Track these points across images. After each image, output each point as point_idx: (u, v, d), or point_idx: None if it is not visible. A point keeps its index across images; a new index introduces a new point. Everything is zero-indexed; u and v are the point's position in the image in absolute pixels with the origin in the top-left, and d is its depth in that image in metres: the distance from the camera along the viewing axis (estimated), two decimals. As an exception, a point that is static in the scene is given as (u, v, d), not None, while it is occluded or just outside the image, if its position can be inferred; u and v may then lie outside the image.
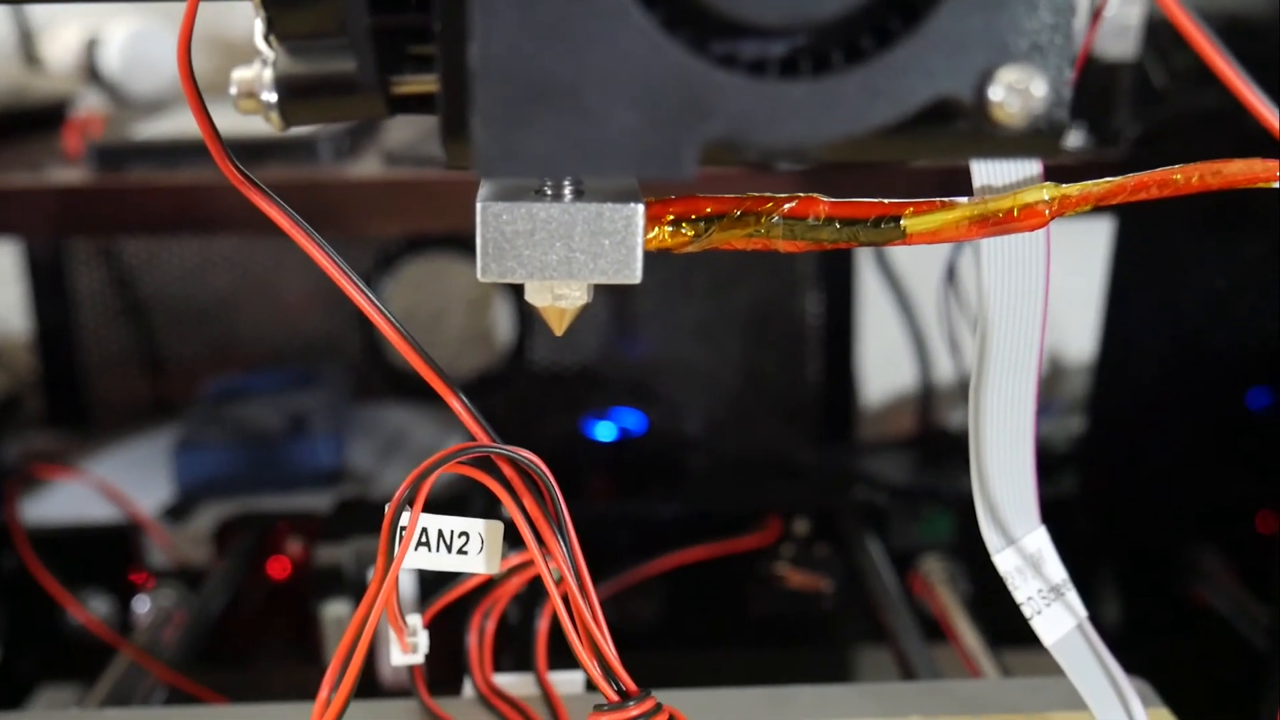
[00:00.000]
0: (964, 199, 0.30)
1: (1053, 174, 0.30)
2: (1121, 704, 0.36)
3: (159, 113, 0.82)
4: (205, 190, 0.65)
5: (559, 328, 0.30)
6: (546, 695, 0.41)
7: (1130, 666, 0.37)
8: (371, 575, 0.33)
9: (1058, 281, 0.33)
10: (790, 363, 0.94)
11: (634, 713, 0.32)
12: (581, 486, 0.84)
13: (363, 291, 0.31)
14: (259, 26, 0.27)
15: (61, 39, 0.86)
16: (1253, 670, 0.60)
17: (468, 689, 0.41)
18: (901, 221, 0.30)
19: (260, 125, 0.29)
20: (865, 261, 0.93)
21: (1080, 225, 0.59)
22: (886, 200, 0.30)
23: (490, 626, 0.41)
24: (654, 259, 0.30)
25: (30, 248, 0.93)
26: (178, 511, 0.81)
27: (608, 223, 0.28)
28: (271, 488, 0.83)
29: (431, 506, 0.32)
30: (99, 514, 0.77)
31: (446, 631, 0.40)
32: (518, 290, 0.30)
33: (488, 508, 0.33)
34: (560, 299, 0.30)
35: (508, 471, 0.32)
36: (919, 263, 0.92)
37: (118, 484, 0.78)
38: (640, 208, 0.28)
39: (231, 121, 0.31)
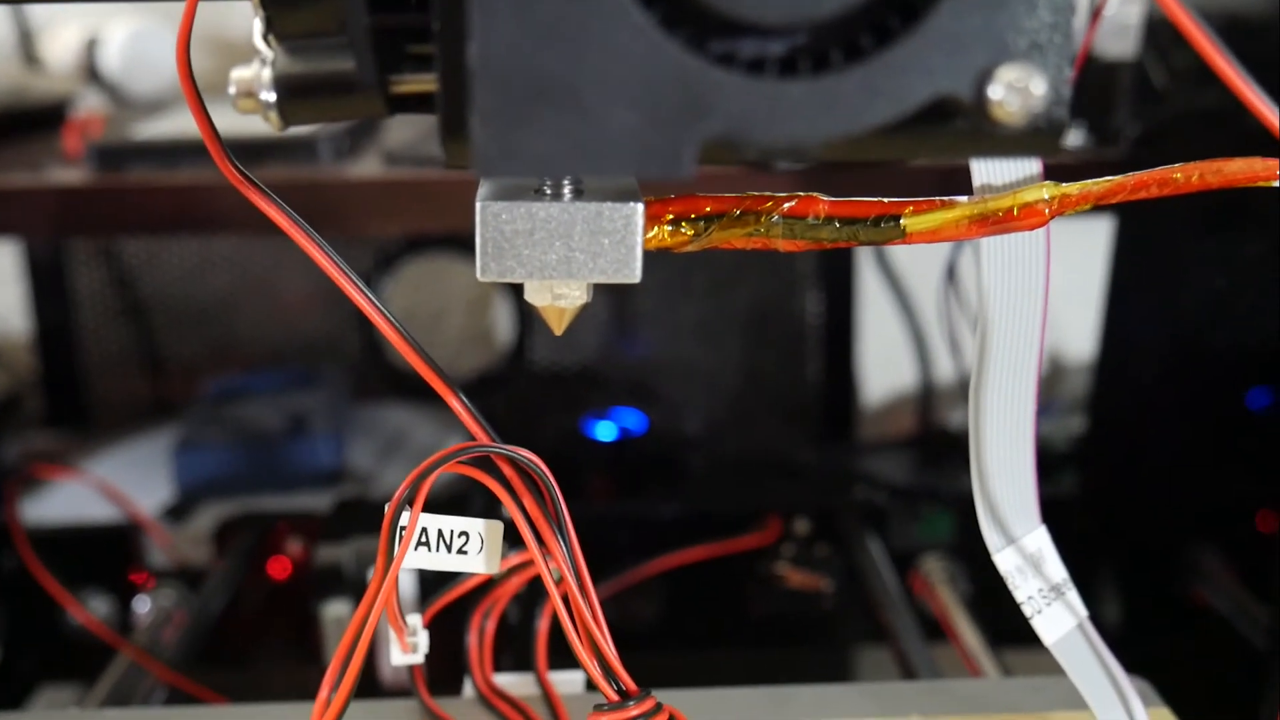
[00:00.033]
0: (964, 198, 0.30)
1: (1052, 173, 0.30)
2: (1122, 703, 0.36)
3: (159, 113, 0.82)
4: (205, 190, 0.65)
5: (558, 327, 0.30)
6: (546, 695, 0.41)
7: (1130, 666, 0.37)
8: (371, 575, 0.33)
9: (1058, 280, 0.33)
10: (790, 362, 0.94)
11: (634, 712, 0.32)
12: (581, 486, 0.84)
13: (362, 291, 0.31)
14: (258, 26, 0.27)
15: (61, 39, 0.86)
16: (1253, 670, 0.60)
17: (468, 689, 0.41)
18: (901, 220, 0.30)
19: (260, 125, 0.29)
20: (865, 261, 0.93)
21: (1080, 224, 0.59)
22: (886, 199, 0.30)
23: (490, 626, 0.41)
24: (653, 258, 0.30)
25: (30, 248, 0.93)
26: (178, 511, 0.81)
27: (607, 222, 0.28)
28: (271, 488, 0.83)
29: (431, 506, 0.32)
30: (99, 514, 0.77)
31: (447, 631, 0.40)
32: (518, 290, 0.30)
33: (488, 507, 0.33)
34: (560, 298, 0.29)
35: (507, 471, 0.32)
36: (919, 262, 0.92)
37: (118, 484, 0.78)
38: (640, 207, 0.28)
39: (231, 121, 0.31)
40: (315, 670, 0.48)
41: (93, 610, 0.72)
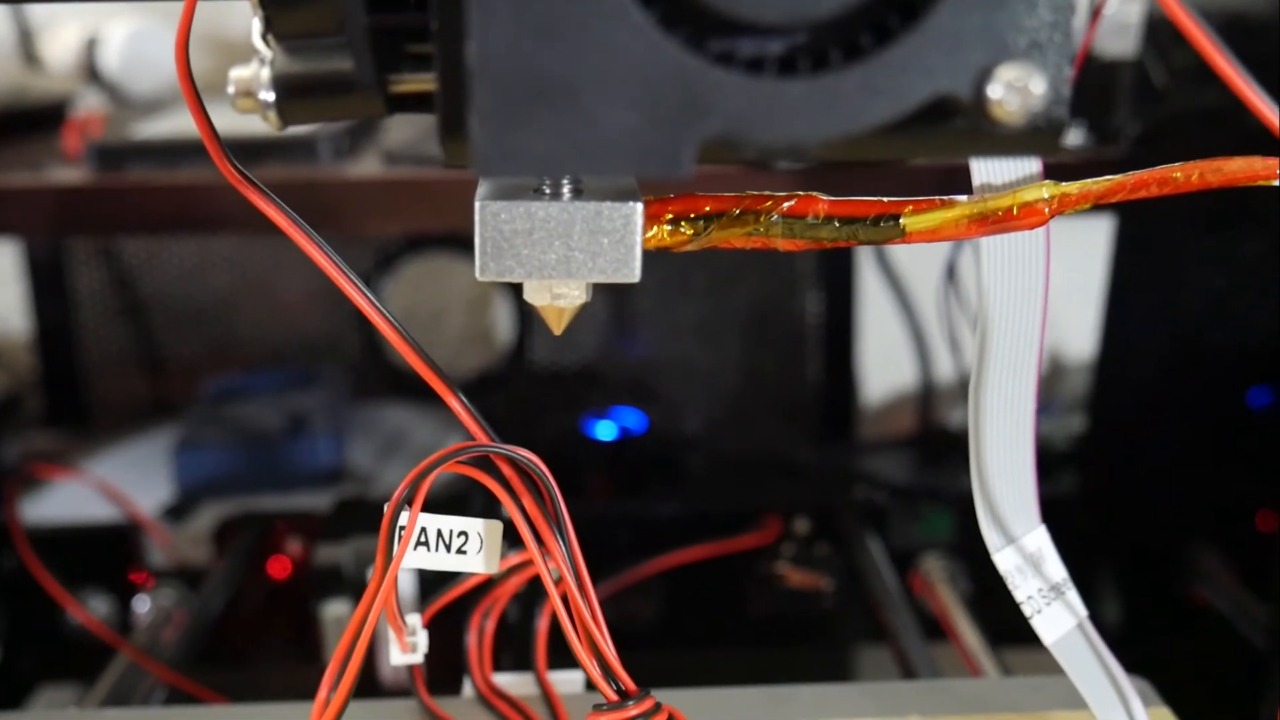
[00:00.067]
0: (963, 197, 0.30)
1: (1052, 172, 0.30)
2: (1121, 703, 0.36)
3: (158, 112, 0.82)
4: (205, 190, 0.65)
5: (558, 327, 0.30)
6: (546, 695, 0.41)
7: (1130, 665, 0.37)
8: (371, 575, 0.33)
9: (1057, 280, 0.33)
10: (790, 362, 0.94)
11: (633, 712, 0.32)
12: (581, 486, 0.84)
13: (362, 291, 0.31)
14: (256, 25, 0.27)
15: (61, 38, 0.86)
16: (1253, 669, 0.60)
17: (467, 688, 0.41)
18: (901, 220, 0.30)
19: (259, 124, 0.29)
20: (865, 260, 0.93)
21: (1080, 223, 0.59)
22: (886, 199, 0.30)
23: (490, 626, 0.41)
24: (653, 258, 0.30)
25: (30, 247, 0.93)
26: (177, 511, 0.81)
27: (606, 221, 0.28)
28: (271, 487, 0.83)
29: (431, 506, 0.32)
30: (99, 514, 0.77)
31: (446, 631, 0.40)
32: (517, 289, 0.30)
33: (487, 507, 0.33)
34: (559, 298, 0.29)
35: (507, 471, 0.32)
36: (919, 261, 0.92)
37: (117, 484, 0.78)
38: (639, 206, 0.28)
39: (230, 121, 0.31)
40: (315, 670, 0.48)
41: (92, 610, 0.72)
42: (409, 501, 0.32)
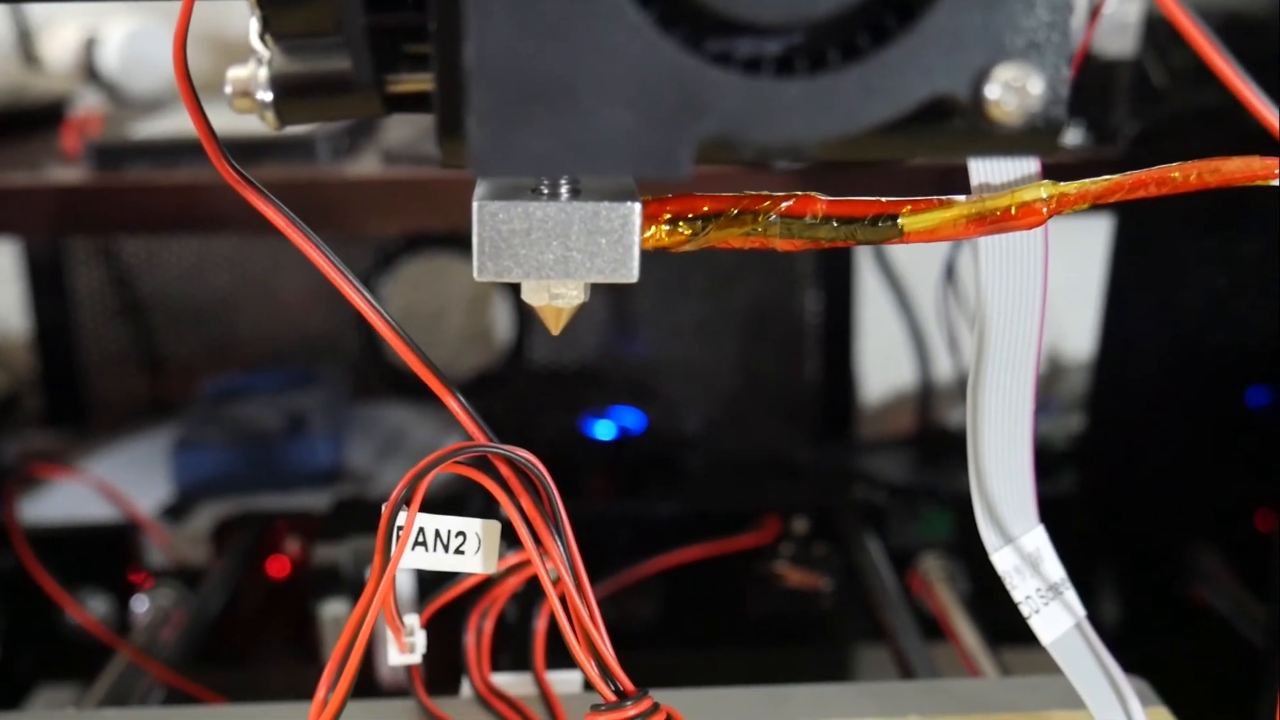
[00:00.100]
0: (962, 197, 0.30)
1: (1051, 172, 0.30)
2: (1120, 703, 0.36)
3: (157, 112, 0.82)
4: (204, 189, 0.65)
5: (556, 327, 0.30)
6: (544, 695, 0.41)
7: (1129, 665, 0.37)
8: (369, 574, 0.33)
9: (1057, 279, 0.33)
10: (789, 361, 0.94)
11: (631, 713, 0.32)
12: (580, 485, 0.84)
13: (360, 291, 0.31)
14: (254, 25, 0.27)
15: (60, 38, 0.86)
16: (1251, 669, 0.60)
17: (465, 689, 0.41)
18: (899, 220, 0.29)
19: (258, 124, 0.29)
20: (864, 260, 0.93)
21: (1079, 223, 0.59)
22: (884, 199, 0.30)
23: (488, 626, 0.41)
24: (652, 257, 0.30)
25: (29, 247, 0.93)
26: (176, 511, 0.81)
27: (604, 221, 0.28)
28: (270, 487, 0.83)
29: (430, 506, 0.32)
30: (97, 513, 0.77)
31: (444, 631, 0.40)
32: (516, 289, 0.30)
33: (486, 507, 0.33)
34: (557, 298, 0.29)
35: (505, 471, 0.32)
36: (918, 261, 0.92)
37: (116, 483, 0.78)
38: (637, 206, 0.28)
39: (229, 120, 0.31)
40: (314, 669, 0.48)
41: (91, 610, 0.72)
42: (407, 501, 0.32)
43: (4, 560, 0.71)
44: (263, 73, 0.27)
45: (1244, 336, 0.64)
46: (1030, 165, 0.30)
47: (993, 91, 0.23)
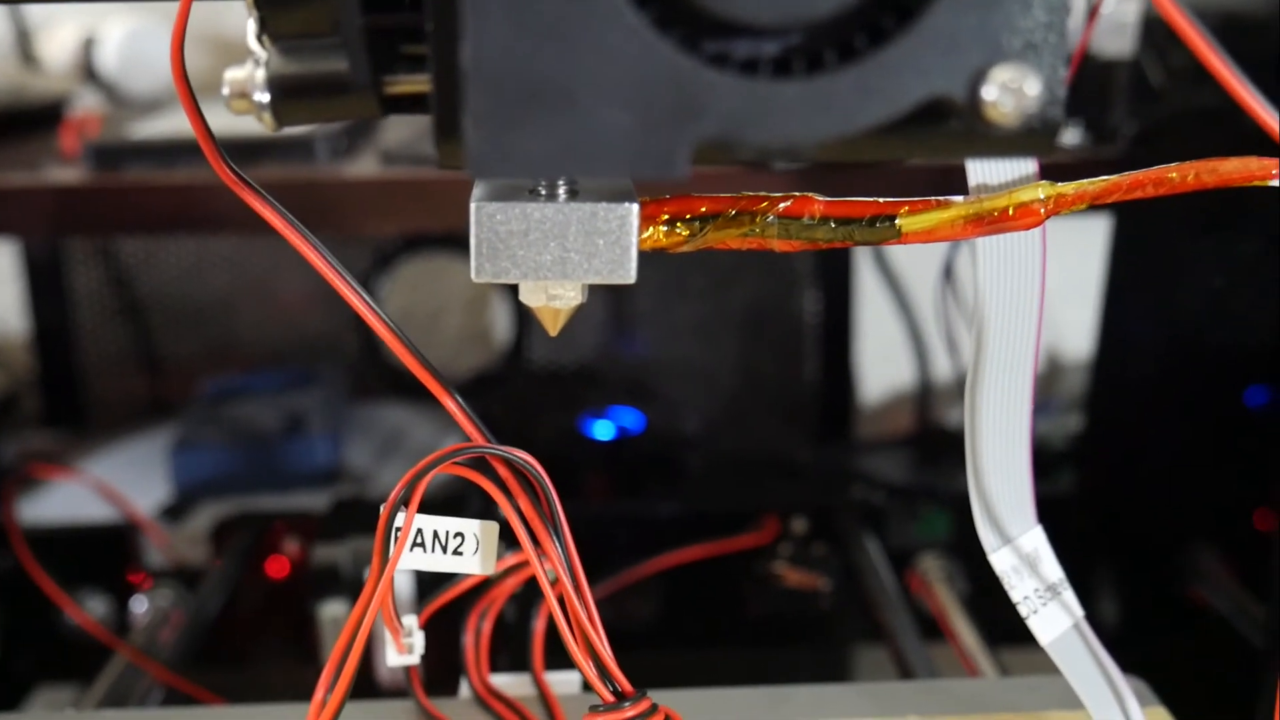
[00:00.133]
0: (959, 198, 0.30)
1: (1049, 172, 0.30)
2: (1118, 703, 0.36)
3: (156, 112, 0.82)
4: (202, 190, 0.65)
5: (553, 328, 0.30)
6: (543, 695, 0.41)
7: (1128, 665, 0.37)
8: (368, 575, 0.33)
9: (1055, 279, 0.33)
10: (788, 361, 0.94)
11: (629, 713, 0.32)
12: (579, 485, 0.84)
13: (357, 292, 0.31)
14: (251, 26, 0.27)
15: (58, 38, 0.86)
16: (1250, 669, 0.60)
17: (464, 689, 0.41)
18: (896, 221, 0.29)
19: (256, 124, 0.29)
20: (863, 260, 0.93)
21: (1078, 223, 0.59)
22: (882, 199, 0.30)
23: (487, 627, 0.41)
24: (651, 257, 0.30)
25: (28, 247, 0.93)
26: (175, 511, 0.81)
27: (602, 223, 0.27)
28: (269, 487, 0.83)
29: (428, 506, 0.32)
30: (96, 514, 0.77)
31: (443, 631, 0.40)
32: (515, 289, 0.30)
33: (485, 507, 0.33)
34: (554, 299, 0.29)
35: (503, 472, 0.32)
36: (917, 261, 0.92)
37: (115, 484, 0.78)
38: (634, 207, 0.28)
39: (228, 120, 0.31)
40: (313, 670, 0.48)
41: (90, 610, 0.72)
42: (405, 503, 0.32)
43: (3, 561, 0.71)
44: (260, 74, 0.27)
45: (1242, 336, 0.64)
46: (1028, 166, 0.30)
47: (990, 93, 0.23)
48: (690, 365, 0.94)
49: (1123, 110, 0.67)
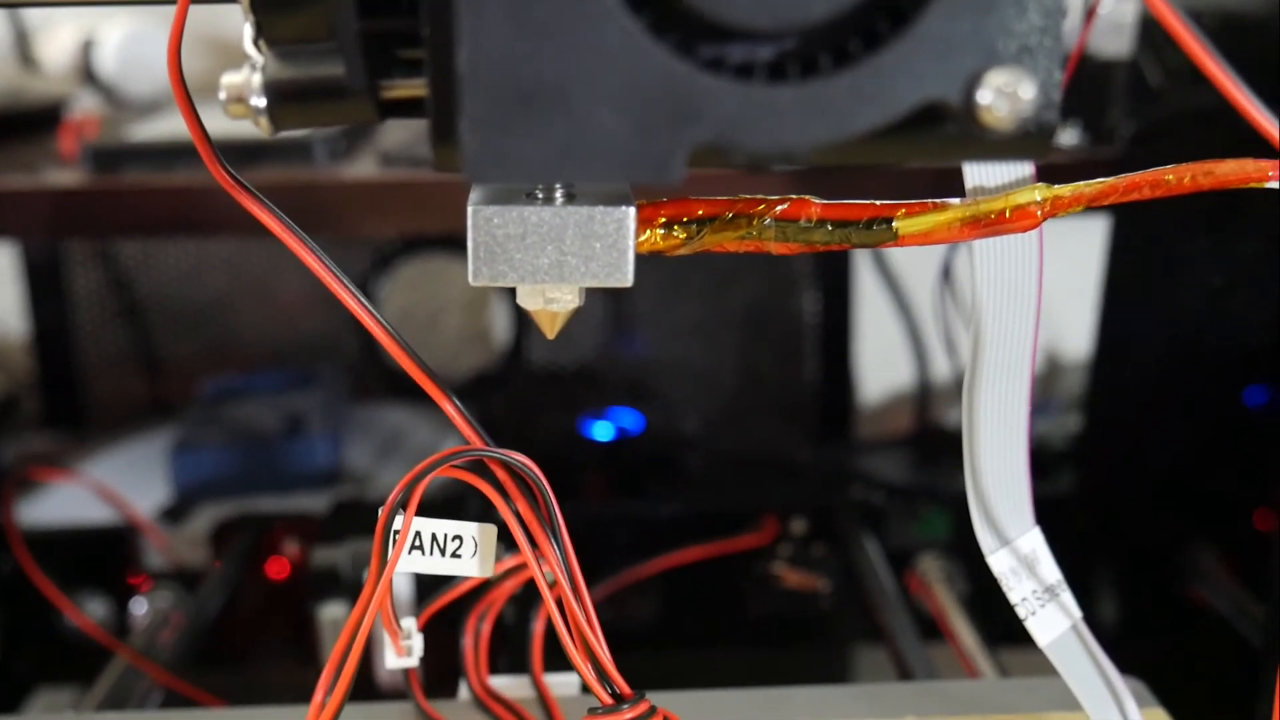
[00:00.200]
0: (956, 200, 0.30)
1: (1047, 172, 0.30)
2: (1116, 704, 0.36)
3: (154, 114, 0.82)
4: (201, 192, 0.65)
5: (551, 331, 0.30)
6: (542, 697, 0.41)
7: (1127, 665, 0.37)
8: (367, 577, 0.33)
9: (1054, 279, 0.33)
10: (787, 362, 0.94)
11: (627, 715, 0.32)
12: (579, 486, 0.84)
13: (354, 295, 0.31)
14: (248, 31, 0.27)
15: (57, 40, 0.86)
16: (1250, 669, 0.60)
17: (463, 691, 0.41)
18: (893, 223, 0.29)
19: (255, 127, 0.29)
20: (862, 261, 0.93)
21: (1076, 223, 0.59)
22: (878, 202, 0.30)
23: (486, 628, 0.41)
24: (651, 257, 0.30)
25: (27, 249, 0.93)
26: (175, 513, 0.81)
27: (599, 226, 0.28)
28: (269, 489, 0.82)
29: (427, 508, 0.32)
30: (96, 516, 0.77)
31: (442, 633, 0.40)
32: (513, 291, 0.30)
33: (484, 509, 0.33)
34: (552, 302, 0.29)
35: (501, 475, 0.32)
36: (916, 262, 0.92)
37: (114, 486, 0.78)
38: (631, 211, 0.28)
39: (227, 122, 0.31)
40: (313, 671, 0.48)
41: (89, 612, 0.72)
42: (403, 505, 0.32)
43: (3, 563, 0.71)
44: (257, 78, 0.27)
45: (1241, 336, 0.64)
46: (1025, 168, 0.30)
47: (984, 97, 0.23)
48: (690, 366, 0.94)
49: (1121, 110, 0.67)
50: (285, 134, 0.28)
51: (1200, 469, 0.67)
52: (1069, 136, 0.68)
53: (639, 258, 0.28)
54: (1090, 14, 0.61)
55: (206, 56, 0.87)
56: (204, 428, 0.85)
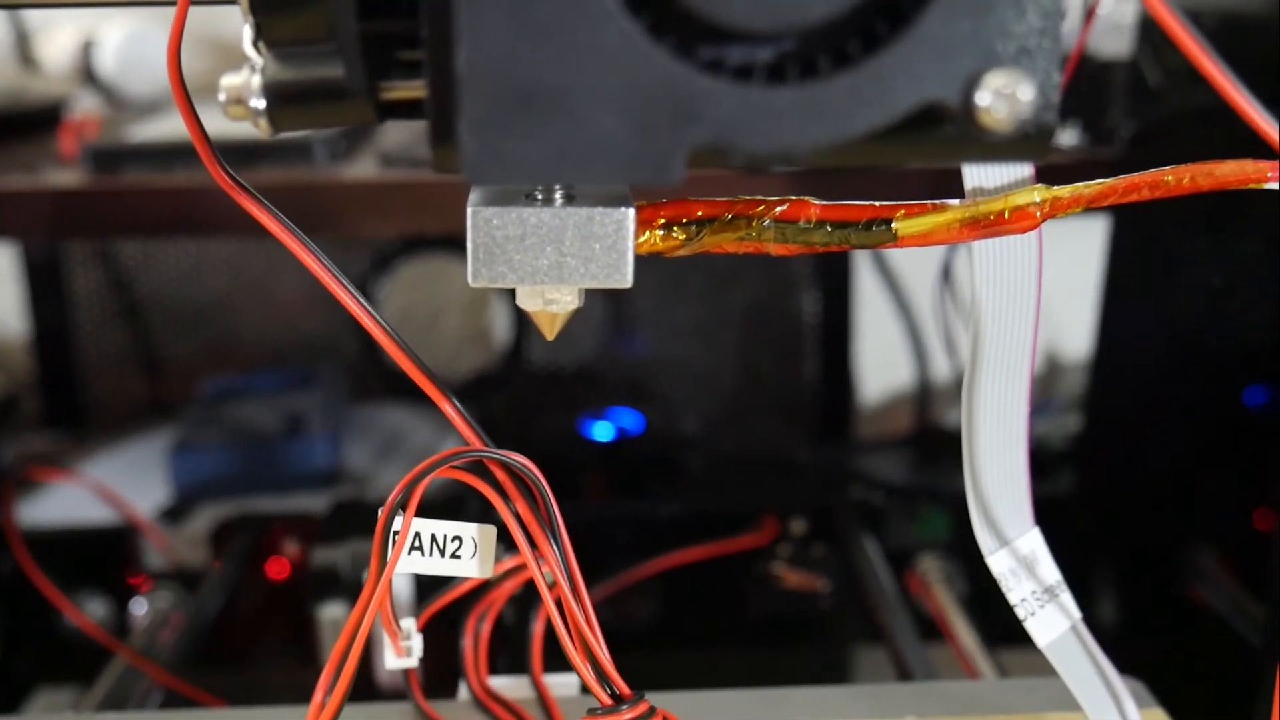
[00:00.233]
0: (955, 201, 0.30)
1: (1047, 173, 0.30)
2: (1115, 705, 0.36)
3: (154, 115, 0.82)
4: (201, 192, 0.65)
5: (550, 332, 0.30)
6: (542, 698, 0.41)
7: (1127, 665, 0.37)
8: (367, 577, 0.33)
9: (1054, 279, 0.33)
10: (787, 362, 0.94)
11: (626, 716, 0.32)
12: (579, 486, 0.84)
13: (354, 295, 0.31)
14: (248, 33, 0.27)
15: (57, 41, 0.86)
16: (1249, 669, 0.60)
17: (463, 691, 0.41)
18: (893, 224, 0.30)
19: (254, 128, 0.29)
20: (862, 261, 0.93)
21: (1076, 223, 0.59)
22: (878, 203, 0.30)
23: (485, 629, 0.41)
24: (650, 258, 0.30)
25: (27, 249, 0.93)
26: (175, 513, 0.81)
27: (598, 227, 0.28)
28: (268, 489, 0.83)
29: (427, 509, 0.32)
30: (96, 516, 0.77)
31: (442, 634, 0.40)
32: (513, 292, 0.30)
33: (484, 509, 0.33)
34: (551, 303, 0.30)
35: (500, 476, 0.32)
36: (915, 262, 0.92)
37: (114, 486, 0.78)
38: (631, 212, 0.28)
39: (226, 123, 0.31)
40: (313, 671, 0.48)
41: (89, 612, 0.72)
42: (403, 506, 0.32)
43: (2, 563, 0.71)
44: (256, 80, 0.27)
45: (1241, 336, 0.64)
46: (1024, 169, 0.30)
47: (983, 98, 0.23)
48: (690, 366, 0.94)
49: (1120, 111, 0.67)
50: (285, 135, 0.28)
51: (1200, 469, 0.67)
52: (1068, 137, 0.68)
53: (638, 259, 0.28)
54: (1090, 14, 0.61)
55: (206, 57, 0.87)
56: (204, 428, 0.85)
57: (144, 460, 0.86)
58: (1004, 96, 0.22)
